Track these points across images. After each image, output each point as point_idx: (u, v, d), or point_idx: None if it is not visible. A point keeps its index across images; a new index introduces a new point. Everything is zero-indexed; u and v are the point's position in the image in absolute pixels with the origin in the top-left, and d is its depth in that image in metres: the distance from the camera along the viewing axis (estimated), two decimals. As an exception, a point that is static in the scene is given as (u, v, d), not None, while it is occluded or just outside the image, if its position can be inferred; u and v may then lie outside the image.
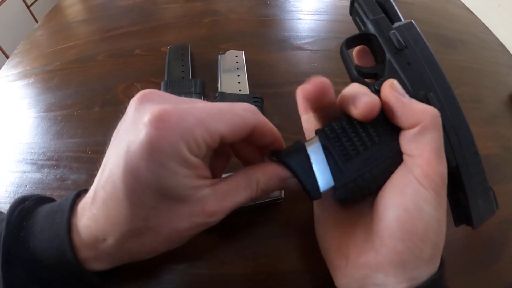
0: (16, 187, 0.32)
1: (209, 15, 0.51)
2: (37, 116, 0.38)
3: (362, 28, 0.25)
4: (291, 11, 0.53)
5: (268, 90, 0.39)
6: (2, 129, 0.38)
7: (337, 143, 0.20)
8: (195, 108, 0.18)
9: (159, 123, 0.16)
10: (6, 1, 1.29)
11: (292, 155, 0.21)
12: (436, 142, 0.18)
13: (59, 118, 0.38)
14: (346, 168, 0.20)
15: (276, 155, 0.21)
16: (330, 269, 0.22)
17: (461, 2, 0.62)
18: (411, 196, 0.18)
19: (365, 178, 0.20)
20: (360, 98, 0.19)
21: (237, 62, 0.40)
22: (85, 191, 0.21)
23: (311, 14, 0.52)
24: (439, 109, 0.20)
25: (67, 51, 0.47)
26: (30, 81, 0.43)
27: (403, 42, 0.22)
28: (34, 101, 0.40)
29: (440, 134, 0.19)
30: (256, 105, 0.34)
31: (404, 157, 0.19)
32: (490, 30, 0.56)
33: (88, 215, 0.19)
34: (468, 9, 0.61)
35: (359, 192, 0.20)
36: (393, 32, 0.23)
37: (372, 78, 0.23)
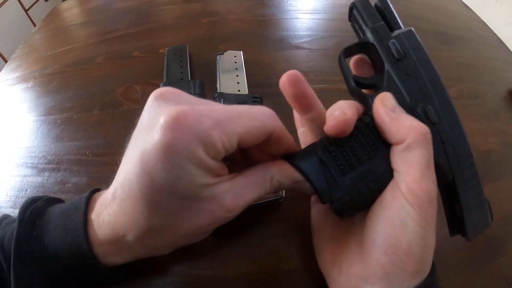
0: (17, 191, 0.32)
1: (207, 16, 0.51)
2: (37, 120, 0.38)
3: (361, 35, 0.24)
4: (289, 10, 0.53)
5: (267, 90, 0.39)
6: (2, 133, 0.38)
7: (333, 157, 0.20)
8: (212, 110, 0.17)
9: (175, 124, 0.16)
10: (3, 5, 1.29)
11: (305, 159, 0.21)
12: (423, 159, 0.18)
13: (59, 121, 0.38)
14: (342, 181, 0.20)
15: (288, 158, 0.21)
16: (325, 277, 0.23)
17: (459, -2, 0.62)
18: (397, 211, 0.18)
19: (361, 192, 0.20)
20: (333, 113, 0.20)
21: (235, 62, 0.40)
22: (98, 190, 0.22)
23: (309, 13, 0.52)
24: (437, 122, 0.20)
25: (65, 54, 0.47)
26: (29, 85, 0.43)
27: (402, 52, 0.22)
28: (33, 105, 0.40)
29: (428, 151, 0.19)
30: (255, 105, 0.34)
31: (394, 173, 0.19)
32: (488, 27, 0.56)
33: (108, 212, 0.19)
34: (466, 5, 0.61)
35: (355, 205, 0.20)
36: (392, 42, 0.22)
37: (370, 88, 0.23)
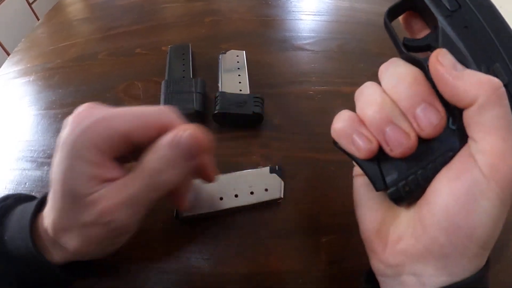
0: (16, 184, 0.32)
1: (210, 15, 0.51)
2: (38, 114, 0.38)
3: None
4: (292, 11, 0.53)
5: (269, 90, 0.39)
6: (2, 126, 0.38)
7: None
8: (105, 109, 0.19)
9: (71, 124, 0.18)
10: (7, -1, 1.29)
11: None
12: (503, 121, 0.15)
13: (60, 116, 0.38)
14: (397, 165, 0.18)
15: (337, 143, 0.19)
16: (367, 251, 0.21)
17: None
18: (468, 185, 0.15)
19: (417, 176, 0.17)
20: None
21: (238, 62, 0.40)
22: None
23: (312, 15, 0.52)
24: (509, 81, 0.16)
25: (68, 50, 0.47)
26: (31, 79, 0.43)
27: (455, 1, 0.18)
28: (34, 99, 0.40)
29: (505, 110, 0.15)
30: (256, 105, 0.34)
31: (469, 140, 0.16)
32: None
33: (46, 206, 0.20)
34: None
35: (412, 191, 0.18)
36: None
37: (424, 51, 0.20)
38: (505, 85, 0.16)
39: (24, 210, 0.21)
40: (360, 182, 0.22)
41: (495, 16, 0.18)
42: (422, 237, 0.17)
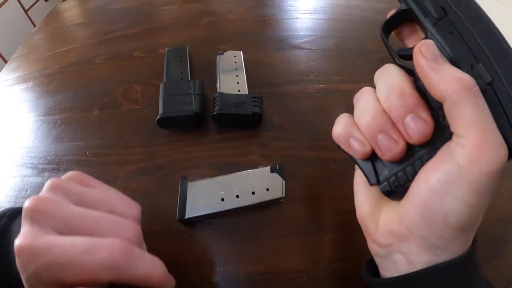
0: (17, 191, 0.32)
1: (207, 16, 0.51)
2: (37, 120, 0.38)
3: (402, 3, 0.22)
4: (289, 10, 0.53)
5: (267, 90, 0.39)
6: (2, 133, 0.38)
7: None
8: (49, 251, 0.17)
9: (17, 253, 0.18)
10: (3, 6, 1.29)
11: None
12: (480, 117, 0.16)
13: (59, 121, 0.38)
14: (389, 164, 0.20)
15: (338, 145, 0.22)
16: (364, 233, 0.22)
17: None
18: (443, 174, 0.16)
19: (406, 171, 0.19)
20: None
21: (235, 62, 0.40)
22: None
23: (309, 13, 0.52)
24: (493, 80, 0.17)
25: (65, 55, 0.47)
26: (29, 85, 0.43)
27: (441, 9, 0.19)
28: (33, 105, 0.40)
29: (480, 106, 0.16)
30: (255, 105, 0.34)
31: (453, 135, 0.17)
32: (488, 26, 0.56)
33: None
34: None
35: (402, 185, 0.19)
36: (428, 0, 0.19)
37: None
38: (489, 83, 0.17)
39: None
40: (359, 174, 0.24)
41: (481, 18, 0.18)
42: (404, 219, 0.18)
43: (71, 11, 0.58)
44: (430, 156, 0.18)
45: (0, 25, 1.28)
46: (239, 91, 0.36)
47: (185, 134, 0.35)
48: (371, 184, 0.21)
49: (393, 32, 0.23)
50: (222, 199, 0.28)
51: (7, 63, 0.48)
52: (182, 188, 0.29)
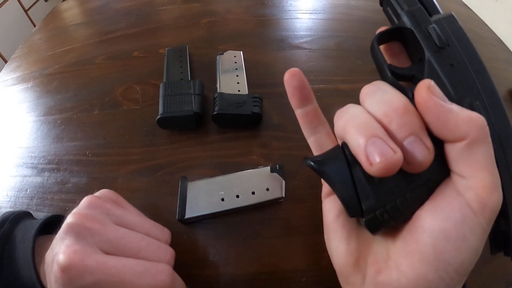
0: (17, 191, 0.32)
1: (207, 16, 0.51)
2: (37, 120, 0.38)
3: (396, 21, 0.22)
4: (289, 10, 0.53)
5: (267, 90, 0.39)
6: (2, 133, 0.38)
7: None
8: (99, 269, 0.19)
9: (63, 269, 0.18)
10: (3, 6, 1.29)
11: (329, 162, 0.18)
12: (489, 158, 0.15)
13: (59, 121, 0.38)
14: (374, 190, 0.17)
15: (308, 160, 0.19)
16: (342, 284, 0.20)
17: (459, -2, 0.62)
18: (458, 223, 0.15)
19: (397, 204, 0.17)
20: (371, 152, 0.15)
21: (235, 62, 0.40)
22: (56, 216, 0.25)
23: (309, 13, 0.52)
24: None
25: (65, 55, 0.47)
26: (29, 85, 0.43)
27: (444, 39, 0.19)
28: (33, 105, 0.40)
29: (490, 146, 0.16)
30: (255, 105, 0.34)
31: (452, 175, 0.16)
32: (488, 26, 0.56)
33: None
34: (466, 5, 0.61)
35: (389, 220, 0.17)
36: (433, 27, 0.19)
37: (408, 80, 0.20)
38: None
39: (24, 242, 0.22)
40: (330, 206, 0.21)
41: (476, 58, 0.19)
42: (409, 273, 0.16)
43: (71, 11, 0.58)
44: (427, 190, 0.17)
45: (0, 25, 1.28)
46: (239, 91, 0.36)
47: (185, 134, 0.35)
48: (351, 215, 0.17)
49: (380, 47, 0.22)
50: (222, 199, 0.28)
51: (7, 63, 0.48)
52: (182, 188, 0.29)
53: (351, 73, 0.41)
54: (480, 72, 0.18)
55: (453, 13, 0.20)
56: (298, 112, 0.22)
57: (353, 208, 0.17)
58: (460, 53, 0.19)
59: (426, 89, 0.16)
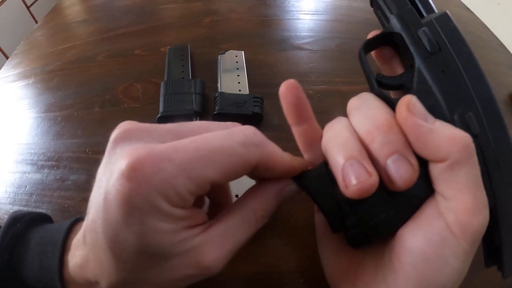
0: (16, 187, 0.32)
1: (209, 15, 0.51)
2: (37, 117, 0.38)
3: (386, 24, 0.20)
4: (291, 11, 0.53)
5: (268, 90, 0.39)
6: (2, 129, 0.38)
7: None
8: (177, 151, 0.15)
9: (132, 173, 0.14)
10: (5, 2, 1.29)
11: (314, 178, 0.18)
12: (473, 180, 0.15)
13: (59, 118, 0.38)
14: (358, 206, 0.17)
15: (295, 178, 0.19)
16: None
17: (461, 1, 0.62)
18: (437, 246, 0.15)
19: (380, 220, 0.16)
20: (347, 173, 0.15)
21: (237, 62, 0.40)
22: (81, 220, 0.20)
23: (311, 14, 0.52)
24: (479, 133, 0.16)
25: (67, 52, 0.47)
26: (30, 82, 0.43)
27: (435, 43, 0.18)
28: (34, 102, 0.40)
29: (475, 167, 0.15)
30: (256, 105, 0.34)
31: (436, 194, 0.16)
32: (490, 30, 0.56)
33: (80, 254, 0.17)
34: (468, 8, 0.61)
35: (371, 236, 0.17)
36: (423, 30, 0.18)
37: (397, 89, 0.19)
38: (476, 135, 0.16)
39: (43, 246, 0.19)
40: (321, 220, 0.21)
41: (473, 63, 0.17)
42: None
43: (73, 8, 0.58)
44: (410, 208, 0.16)
45: (2, 21, 1.28)
46: (240, 90, 0.36)
47: (185, 133, 0.35)
48: (334, 231, 0.18)
49: (371, 53, 0.21)
50: (221, 199, 0.28)
51: (9, 59, 0.48)
52: (182, 187, 0.29)
53: (352, 75, 0.41)
54: (476, 77, 0.17)
55: (447, 12, 0.18)
56: (294, 130, 0.21)
57: (336, 224, 0.17)
58: (454, 58, 0.17)
59: (405, 108, 0.16)
